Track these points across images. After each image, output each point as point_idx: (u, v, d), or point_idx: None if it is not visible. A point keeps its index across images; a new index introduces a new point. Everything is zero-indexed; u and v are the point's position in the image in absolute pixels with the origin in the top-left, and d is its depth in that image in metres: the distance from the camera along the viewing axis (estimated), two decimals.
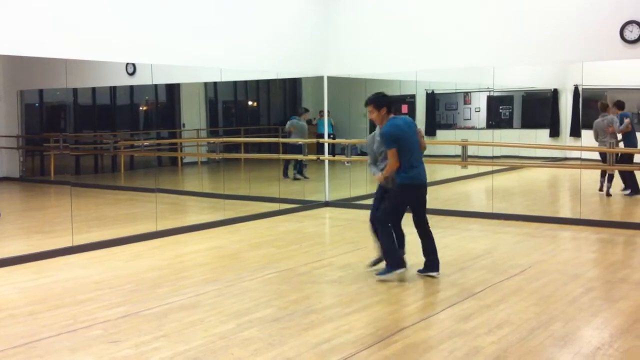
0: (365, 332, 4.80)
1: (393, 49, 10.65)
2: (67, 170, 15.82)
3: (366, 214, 10.38)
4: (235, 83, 19.71)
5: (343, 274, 6.61)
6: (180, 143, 19.18)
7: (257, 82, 20.40)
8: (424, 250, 6.46)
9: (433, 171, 16.41)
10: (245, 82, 19.81)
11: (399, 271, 6.23)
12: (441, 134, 20.50)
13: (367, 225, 9.52)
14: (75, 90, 16.68)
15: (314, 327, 4.95)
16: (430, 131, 20.92)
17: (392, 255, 6.27)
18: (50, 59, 8.92)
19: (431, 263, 6.42)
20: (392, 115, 6.25)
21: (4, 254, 7.39)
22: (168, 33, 8.83)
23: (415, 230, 6.51)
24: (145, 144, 18.18)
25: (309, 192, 12.26)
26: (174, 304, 5.61)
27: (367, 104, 6.27)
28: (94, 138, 18.13)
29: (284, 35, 10.60)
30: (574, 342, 4.63)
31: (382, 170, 6.33)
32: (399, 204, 6.37)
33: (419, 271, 6.47)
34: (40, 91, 16.78)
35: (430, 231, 6.50)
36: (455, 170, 14.37)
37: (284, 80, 21.39)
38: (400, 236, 6.54)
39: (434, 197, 12.50)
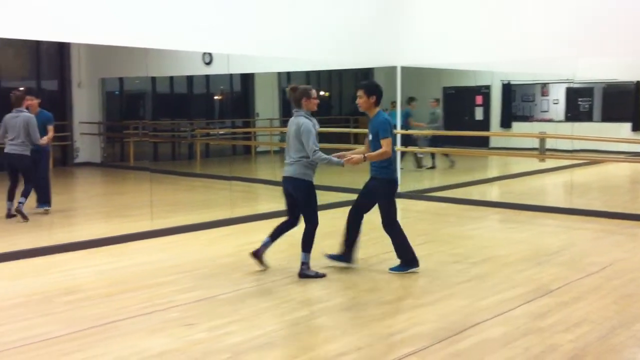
0: (438, 326, 4.75)
1: (469, 38, 10.43)
2: (146, 156, 16.32)
3: (439, 205, 10.35)
4: (307, 73, 19.81)
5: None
6: (254, 132, 19.49)
7: (330, 72, 20.45)
8: (352, 241, 6.39)
9: (507, 164, 16.13)
10: (318, 72, 19.89)
11: (412, 269, 6.23)
12: (517, 126, 20.03)
13: (438, 217, 9.48)
14: (153, 79, 17.17)
15: (385, 318, 4.94)
16: (506, 123, 20.48)
17: (407, 253, 6.27)
18: (131, 48, 9.22)
19: (352, 255, 6.42)
20: (379, 109, 6.21)
21: (85, 237, 7.70)
22: (244, 23, 8.93)
23: (342, 223, 6.47)
24: (221, 132, 18.55)
25: None
26: (248, 289, 5.71)
27: (359, 88, 6.21)
28: (172, 126, 18.62)
29: (358, 24, 10.55)
30: None
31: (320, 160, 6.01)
32: (390, 200, 6.33)
33: (331, 256, 6.44)
34: (121, 79, 17.34)
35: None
36: (532, 164, 14.01)
37: (356, 70, 21.34)
38: (358, 229, 6.43)
39: (508, 191, 12.28)
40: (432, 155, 14.65)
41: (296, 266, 6.31)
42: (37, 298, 5.48)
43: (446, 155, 14.97)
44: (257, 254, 6.21)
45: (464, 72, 17.92)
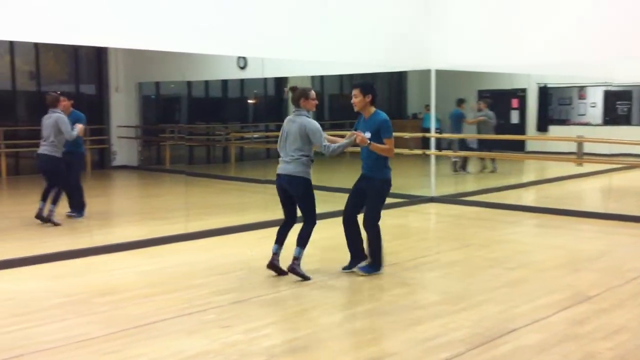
0: (474, 331, 4.72)
1: (505, 40, 10.33)
2: (181, 159, 16.51)
3: (474, 210, 10.27)
4: (341, 76, 19.84)
5: (449, 270, 6.53)
6: None
7: (363, 75, 20.43)
8: (357, 245, 6.34)
9: (543, 168, 15.93)
10: (351, 75, 19.89)
11: (382, 272, 6.21)
12: (553, 130, 19.77)
13: (473, 222, 9.40)
14: (189, 83, 17.39)
15: (420, 322, 4.92)
16: (542, 126, 20.24)
17: (380, 254, 6.23)
18: (167, 52, 9.35)
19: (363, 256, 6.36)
20: (375, 109, 6.18)
21: (123, 239, 7.82)
22: (278, 27, 8.98)
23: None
24: (255, 136, 18.67)
25: (415, 187, 12.16)
26: (283, 292, 5.75)
27: (354, 87, 6.18)
28: (206, 130, 18.79)
29: (392, 27, 10.53)
30: None
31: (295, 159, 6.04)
32: (383, 200, 6.30)
33: (346, 268, 6.36)
34: (157, 84, 17.58)
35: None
36: (569, 168, 13.80)
37: (389, 74, 21.29)
38: (358, 230, 6.38)
39: (544, 196, 12.13)
40: (491, 159, 14.58)
41: (331, 270, 6.35)
42: (76, 298, 5.58)
43: (492, 160, 14.84)
44: (273, 265, 6.20)
45: (500, 74, 17.77)
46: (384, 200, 6.33)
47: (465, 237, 8.14)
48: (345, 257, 6.41)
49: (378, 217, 6.25)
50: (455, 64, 11.07)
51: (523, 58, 10.42)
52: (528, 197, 12.13)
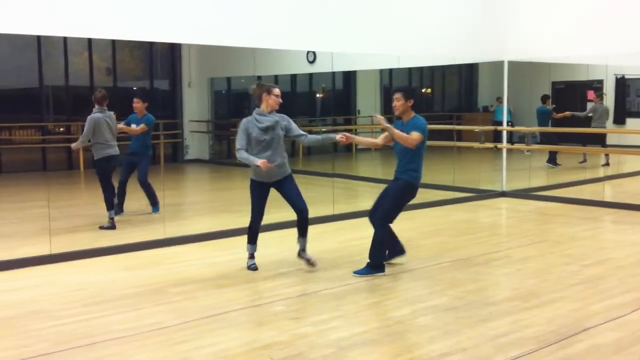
0: (547, 329, 4.61)
1: (580, 30, 10.00)
2: None
3: (548, 205, 10.01)
4: (410, 70, 19.63)
5: (521, 266, 6.39)
6: (355, 129, 19.54)
7: (432, 68, 20.20)
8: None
9: (620, 162, 15.33)
10: (421, 68, 19.69)
11: (379, 274, 6.02)
12: (631, 123, 19.01)
13: (547, 218, 9.16)
14: (259, 78, 17.56)
15: (492, 319, 4.84)
16: (619, 119, 19.49)
17: (380, 258, 6.07)
18: (239, 48, 9.49)
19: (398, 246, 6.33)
20: (414, 114, 6.07)
21: (195, 231, 8.01)
22: (347, 21, 8.98)
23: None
24: (323, 130, 18.73)
25: (485, 181, 11.94)
26: (351, 285, 5.76)
27: (396, 91, 6.08)
28: None
29: (461, 18, 10.36)
30: None
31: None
32: (400, 203, 6.13)
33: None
34: (228, 79, 17.86)
35: None
36: None
37: (459, 66, 20.96)
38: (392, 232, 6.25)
39: (621, 191, 11.69)
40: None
41: (397, 265, 6.32)
42: (150, 288, 5.75)
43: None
44: (304, 258, 6.26)
45: (575, 65, 17.17)
46: (402, 203, 6.18)
47: (538, 233, 7.94)
48: (411, 251, 6.36)
49: (389, 218, 6.13)
50: (529, 55, 10.78)
51: (599, 48, 10.05)
52: (605, 192, 11.71)
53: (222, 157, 17.53)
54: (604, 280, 5.86)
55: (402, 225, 8.53)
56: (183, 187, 13.54)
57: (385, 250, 6.18)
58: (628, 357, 4.12)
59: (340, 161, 16.84)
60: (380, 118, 6.03)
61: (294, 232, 8.15)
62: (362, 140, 7.53)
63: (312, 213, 9.01)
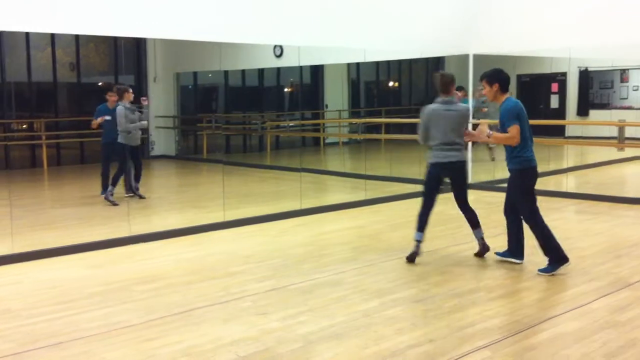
0: (511, 319, 4.68)
1: (544, 23, 10.13)
2: (218, 149, 16.65)
3: None
4: (377, 63, 19.71)
5: (488, 258, 6.46)
6: (323, 124, 19.56)
7: (399, 62, 20.28)
8: (515, 237, 6.19)
9: (584, 153, 15.61)
10: (388, 62, 19.75)
11: (565, 264, 5.82)
12: (594, 114, 19.37)
13: None
14: (226, 73, 17.48)
15: (458, 310, 4.89)
16: (583, 111, 19.83)
17: (553, 249, 5.84)
18: (205, 42, 9.41)
19: (518, 251, 6.24)
20: (508, 95, 5.95)
21: (163, 227, 7.94)
22: (314, 15, 8.97)
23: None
24: (291, 124, 18.72)
25: None
26: (318, 280, 5.77)
27: (481, 78, 6.06)
28: (243, 119, 18.91)
29: (427, 12, 10.41)
30: None
31: None
32: (525, 191, 5.96)
33: (499, 253, 6.35)
34: (195, 74, 17.71)
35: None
36: (610, 153, 13.52)
37: (426, 60, 21.08)
38: (516, 224, 6.19)
39: (585, 181, 11.89)
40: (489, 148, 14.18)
41: (364, 258, 6.34)
42: (116, 286, 5.69)
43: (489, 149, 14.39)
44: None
45: (539, 58, 17.44)
46: (528, 190, 5.94)
47: (504, 224, 8.02)
48: (379, 244, 6.39)
49: (529, 210, 5.93)
50: (494, 49, 10.89)
51: (563, 40, 10.19)
52: (569, 183, 11.91)
53: (189, 153, 17.40)
54: (568, 270, 5.95)
55: (371, 218, 8.59)
56: (149, 184, 13.36)
57: (553, 241, 5.85)
58: (590, 345, 4.20)
59: (309, 155, 16.84)
60: (483, 127, 5.93)
61: (264, 227, 8.19)
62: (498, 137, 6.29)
63: (280, 208, 9.09)
